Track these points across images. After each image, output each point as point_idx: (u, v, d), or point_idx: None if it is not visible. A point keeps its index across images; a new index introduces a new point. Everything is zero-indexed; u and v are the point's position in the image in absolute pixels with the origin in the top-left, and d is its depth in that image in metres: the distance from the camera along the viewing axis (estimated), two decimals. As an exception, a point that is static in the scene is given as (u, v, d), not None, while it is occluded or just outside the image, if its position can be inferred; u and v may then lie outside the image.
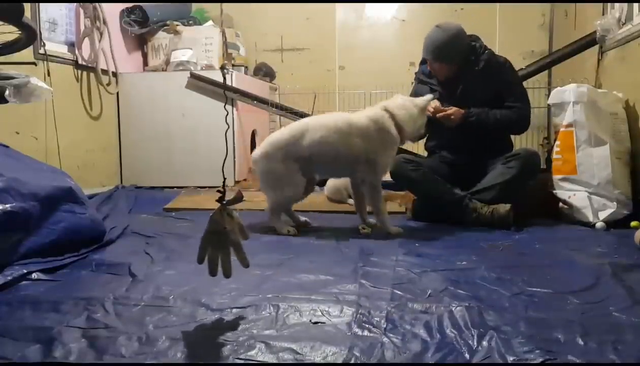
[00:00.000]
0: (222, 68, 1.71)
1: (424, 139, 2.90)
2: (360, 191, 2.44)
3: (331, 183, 3.14)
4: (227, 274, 1.35)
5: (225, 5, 4.93)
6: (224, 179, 1.41)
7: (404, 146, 3.47)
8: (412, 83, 2.93)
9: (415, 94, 2.79)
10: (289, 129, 2.42)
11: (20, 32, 2.15)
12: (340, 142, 2.31)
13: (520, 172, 2.47)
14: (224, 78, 1.66)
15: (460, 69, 2.63)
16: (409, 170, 2.56)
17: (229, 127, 1.46)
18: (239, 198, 1.37)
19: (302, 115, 3.92)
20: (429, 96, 2.49)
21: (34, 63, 2.98)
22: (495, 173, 2.53)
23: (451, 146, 2.71)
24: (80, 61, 3.53)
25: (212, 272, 1.35)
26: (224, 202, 1.36)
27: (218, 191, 1.36)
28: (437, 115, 2.56)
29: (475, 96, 2.60)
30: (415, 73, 2.90)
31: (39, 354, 1.14)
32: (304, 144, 2.32)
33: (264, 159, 2.39)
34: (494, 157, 2.60)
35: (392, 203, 3.00)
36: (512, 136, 2.86)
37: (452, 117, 2.55)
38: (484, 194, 2.49)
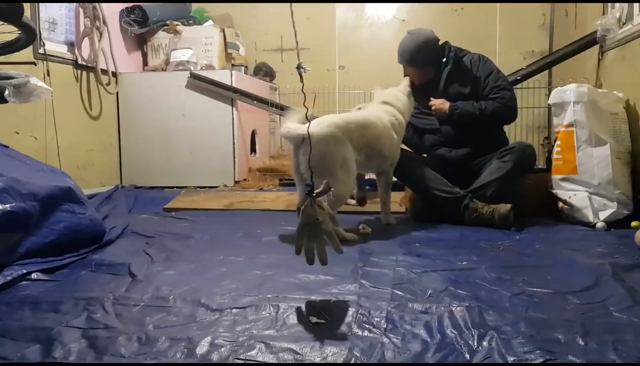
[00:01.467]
0: (298, 67, 1.71)
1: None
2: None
3: None
4: (324, 261, 1.42)
5: (225, 5, 4.92)
6: (311, 173, 1.47)
7: (403, 146, 3.49)
8: None
9: None
10: (349, 117, 2.33)
11: (20, 32, 2.15)
12: (387, 136, 2.41)
13: (516, 165, 2.50)
14: (301, 76, 1.66)
15: (434, 73, 2.72)
16: (412, 167, 2.58)
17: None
18: (326, 189, 1.45)
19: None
20: (405, 80, 2.68)
21: (33, 63, 2.98)
22: (491, 169, 2.55)
23: (446, 143, 2.73)
24: (80, 61, 3.53)
25: (310, 261, 1.42)
26: (313, 194, 1.42)
27: (307, 185, 1.44)
28: (429, 104, 2.69)
29: (454, 94, 2.67)
30: None
31: (38, 354, 1.14)
32: (368, 136, 2.30)
33: (333, 140, 2.14)
34: (490, 153, 2.62)
35: (392, 203, 2.99)
36: (510, 134, 2.87)
37: (434, 109, 2.67)
38: (484, 190, 2.50)
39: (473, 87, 2.67)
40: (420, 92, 2.74)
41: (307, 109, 1.57)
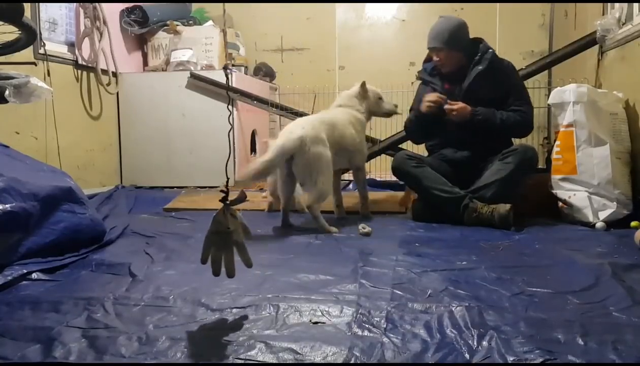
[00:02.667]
0: (225, 68, 1.71)
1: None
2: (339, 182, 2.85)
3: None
4: (231, 274, 1.35)
5: (225, 5, 4.91)
6: (227, 179, 1.40)
7: (404, 145, 3.50)
8: (413, 83, 2.95)
9: (418, 96, 2.84)
10: (320, 119, 2.55)
11: (20, 32, 2.15)
12: (348, 133, 2.64)
13: (517, 166, 2.49)
14: (227, 78, 1.66)
15: (463, 63, 2.67)
16: (411, 166, 2.58)
17: (232, 127, 1.45)
18: (242, 198, 1.37)
19: (302, 115, 3.92)
20: (357, 85, 2.83)
21: (34, 63, 2.98)
22: (492, 170, 2.55)
23: (452, 144, 2.72)
24: (80, 61, 3.53)
25: (216, 272, 1.35)
26: (227, 202, 1.36)
27: (221, 191, 1.36)
28: (445, 107, 2.60)
29: (478, 95, 2.62)
30: (418, 72, 2.92)
31: (39, 354, 1.14)
32: (334, 134, 2.51)
33: (315, 141, 2.36)
34: (493, 155, 2.61)
35: (392, 203, 3.00)
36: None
37: (455, 113, 2.60)
38: (484, 191, 2.50)
39: (498, 93, 2.64)
40: (441, 81, 2.74)
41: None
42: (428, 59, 2.85)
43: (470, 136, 2.64)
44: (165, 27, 4.26)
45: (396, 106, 2.92)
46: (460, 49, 2.66)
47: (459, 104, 2.60)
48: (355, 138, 2.66)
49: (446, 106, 2.61)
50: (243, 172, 2.44)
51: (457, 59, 2.68)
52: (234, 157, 3.91)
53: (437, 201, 2.54)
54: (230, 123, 1.44)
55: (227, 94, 1.67)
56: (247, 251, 1.38)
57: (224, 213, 1.35)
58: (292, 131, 2.36)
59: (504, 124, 2.62)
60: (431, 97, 2.65)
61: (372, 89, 2.86)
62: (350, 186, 3.70)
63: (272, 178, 2.68)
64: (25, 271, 1.65)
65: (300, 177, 2.38)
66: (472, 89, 2.65)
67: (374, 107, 2.85)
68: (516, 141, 2.86)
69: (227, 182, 1.39)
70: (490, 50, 2.68)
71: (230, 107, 1.44)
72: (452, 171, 2.65)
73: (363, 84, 2.82)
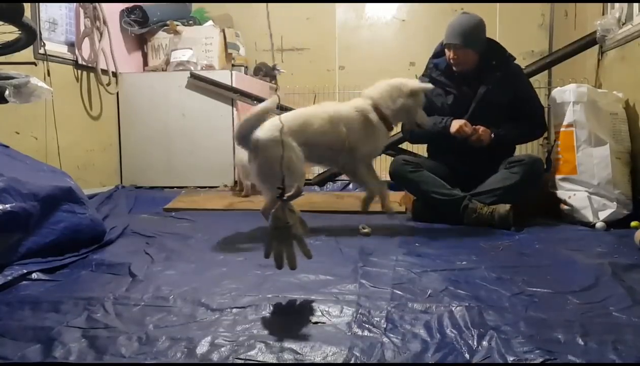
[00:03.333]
0: (273, 68, 1.71)
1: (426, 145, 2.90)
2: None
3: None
4: (293, 266, 1.40)
5: (225, 5, 4.93)
6: (283, 176, 1.44)
7: (404, 146, 3.49)
8: (421, 78, 2.88)
9: (424, 95, 2.68)
10: (294, 115, 2.33)
11: (20, 32, 2.15)
12: (331, 130, 2.33)
13: (523, 178, 2.47)
14: (275, 78, 1.66)
15: (477, 66, 2.61)
16: (408, 172, 2.56)
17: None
18: (297, 193, 1.44)
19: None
20: (427, 85, 2.48)
21: (34, 63, 2.98)
22: (497, 177, 2.53)
23: (455, 150, 2.65)
24: (80, 61, 3.53)
25: (279, 266, 1.40)
26: (284, 198, 1.40)
27: (278, 188, 1.41)
28: (472, 138, 2.54)
29: (493, 101, 2.59)
30: (426, 69, 2.79)
31: (39, 354, 1.14)
32: (309, 131, 2.27)
33: (275, 144, 2.08)
34: (496, 160, 2.60)
35: (392, 203, 3.00)
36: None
37: (477, 138, 2.53)
38: (484, 197, 2.49)
39: (511, 98, 2.61)
40: (454, 82, 2.66)
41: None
42: (438, 54, 2.73)
43: (473, 145, 2.60)
44: (165, 27, 4.26)
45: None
46: (479, 48, 2.58)
47: (481, 129, 2.53)
48: (339, 137, 2.32)
49: (473, 138, 2.53)
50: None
51: (474, 59, 2.60)
52: (234, 157, 3.91)
53: (436, 203, 2.53)
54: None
55: (277, 94, 1.62)
56: (306, 244, 1.43)
57: (282, 208, 1.40)
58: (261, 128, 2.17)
59: (520, 139, 2.74)
60: (467, 128, 2.53)
61: (421, 92, 2.46)
62: (350, 186, 3.70)
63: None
64: (25, 271, 1.65)
65: (259, 181, 2.25)
66: (488, 96, 2.59)
67: (407, 113, 2.43)
68: (518, 147, 2.87)
69: (283, 179, 1.43)
70: (508, 57, 2.64)
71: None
72: (452, 174, 2.63)
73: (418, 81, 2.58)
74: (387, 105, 2.39)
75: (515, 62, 2.71)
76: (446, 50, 2.63)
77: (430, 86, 2.48)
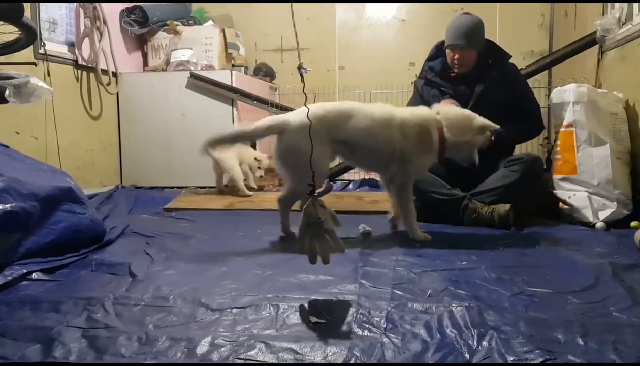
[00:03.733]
0: (299, 67, 1.68)
1: None
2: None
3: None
4: (326, 261, 1.42)
5: (225, 5, 4.93)
6: (313, 172, 1.45)
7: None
8: (413, 83, 2.89)
9: (420, 97, 2.73)
10: (336, 106, 2.16)
11: (20, 32, 2.16)
12: (381, 133, 2.14)
13: (523, 176, 2.47)
14: (302, 76, 1.63)
15: (475, 66, 2.61)
16: None
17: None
18: (328, 189, 1.48)
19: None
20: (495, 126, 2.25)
21: (34, 63, 2.98)
22: (497, 176, 2.53)
23: None
24: (80, 61, 3.53)
25: (312, 260, 1.43)
26: (315, 194, 1.43)
27: (309, 184, 1.44)
28: None
29: (490, 100, 2.58)
30: (422, 71, 2.80)
31: (39, 354, 1.14)
32: (350, 128, 2.11)
33: (300, 133, 1.87)
34: (495, 158, 2.60)
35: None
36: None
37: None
38: (484, 196, 2.49)
39: (508, 98, 2.61)
40: (451, 83, 2.65)
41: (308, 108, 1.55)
42: (432, 57, 2.73)
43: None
44: (165, 27, 4.26)
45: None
46: (480, 48, 2.59)
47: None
48: (392, 144, 2.14)
49: None
50: (209, 138, 2.27)
51: (475, 59, 2.59)
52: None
53: (436, 203, 2.53)
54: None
55: (304, 93, 1.55)
56: (339, 238, 1.45)
57: (314, 204, 1.42)
58: (290, 112, 2.14)
59: (518, 138, 2.72)
60: None
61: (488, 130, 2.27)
62: (350, 186, 3.70)
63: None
64: (25, 271, 1.65)
65: (278, 166, 2.16)
66: (485, 95, 2.59)
67: (467, 151, 2.24)
68: (518, 146, 2.86)
69: (313, 175, 1.44)
70: (504, 56, 2.64)
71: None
72: (452, 174, 2.63)
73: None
74: (453, 133, 2.18)
75: (511, 61, 2.71)
76: (448, 51, 2.61)
77: (496, 126, 2.25)
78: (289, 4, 1.59)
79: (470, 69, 2.61)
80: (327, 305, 1.40)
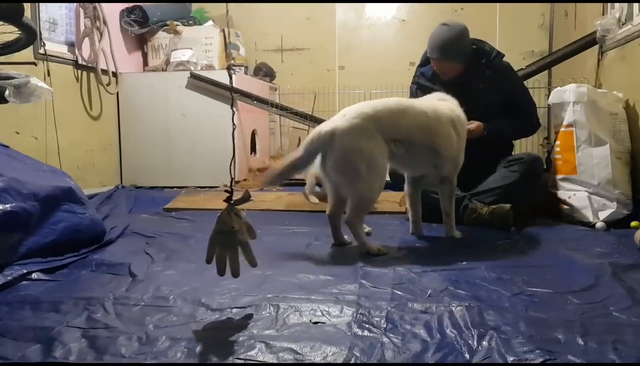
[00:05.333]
0: (229, 68, 1.69)
1: None
2: (418, 195, 2.30)
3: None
4: (235, 274, 1.36)
5: (225, 5, 4.92)
6: (232, 178, 1.41)
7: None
8: (411, 86, 2.90)
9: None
10: (381, 102, 2.02)
11: (20, 32, 2.16)
12: (440, 129, 2.10)
13: (523, 176, 2.47)
14: (230, 78, 1.66)
15: (465, 70, 2.60)
16: None
17: (235, 127, 1.46)
18: (246, 198, 1.40)
19: (302, 115, 3.93)
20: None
21: (34, 63, 2.98)
22: (497, 176, 2.53)
23: None
24: (80, 61, 3.53)
25: (221, 272, 1.36)
26: (232, 202, 1.36)
27: (225, 191, 1.37)
28: None
29: (484, 100, 2.58)
30: (414, 77, 2.83)
31: (39, 354, 1.14)
32: (403, 124, 2.00)
33: (355, 134, 1.86)
34: (495, 159, 2.60)
35: (392, 203, 3.00)
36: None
37: (473, 131, 2.50)
38: (484, 196, 2.49)
39: (502, 97, 2.60)
40: (442, 86, 2.62)
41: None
42: (425, 63, 2.76)
43: (470, 141, 2.62)
44: (165, 27, 4.26)
45: None
46: (461, 60, 2.56)
47: (474, 124, 2.52)
48: (451, 140, 2.12)
49: None
50: (263, 176, 2.04)
51: (457, 69, 2.58)
52: (234, 157, 3.90)
53: (436, 203, 2.52)
54: (233, 124, 1.45)
55: (231, 94, 1.66)
56: (252, 251, 1.39)
57: (229, 212, 1.35)
58: (332, 119, 1.96)
59: (511, 134, 2.70)
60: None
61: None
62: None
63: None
64: (25, 271, 1.65)
65: (333, 180, 1.95)
66: (477, 93, 2.58)
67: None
68: (518, 145, 2.86)
69: (232, 182, 1.40)
70: (496, 55, 2.62)
71: (233, 108, 1.44)
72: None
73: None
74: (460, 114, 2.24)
75: (506, 60, 2.70)
76: (431, 60, 2.64)
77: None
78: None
79: (456, 75, 2.60)
80: (327, 304, 1.40)
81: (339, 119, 1.94)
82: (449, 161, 2.15)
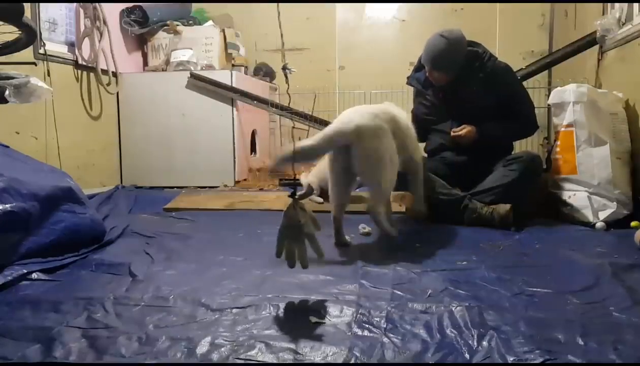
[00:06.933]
0: (284, 68, 1.70)
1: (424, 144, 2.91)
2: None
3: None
4: (305, 265, 1.41)
5: (225, 5, 4.92)
6: (294, 175, 1.45)
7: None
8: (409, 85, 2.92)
9: (414, 103, 2.84)
10: (377, 109, 2.13)
11: (20, 32, 2.15)
12: (410, 131, 2.32)
13: (522, 175, 2.47)
14: (286, 77, 1.65)
15: (457, 75, 2.61)
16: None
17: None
18: (309, 192, 1.45)
19: (302, 115, 3.92)
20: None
21: (34, 63, 2.98)
22: (496, 175, 2.53)
23: (452, 147, 2.70)
24: (80, 61, 3.53)
25: (291, 264, 1.42)
26: (296, 197, 1.41)
27: (291, 185, 1.44)
28: (451, 135, 2.61)
29: (476, 103, 2.59)
30: (408, 77, 2.86)
31: (39, 354, 1.14)
32: (397, 128, 2.16)
33: (380, 131, 2.00)
34: (495, 158, 2.61)
35: (392, 202, 3.00)
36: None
37: (464, 136, 2.58)
38: (484, 195, 2.49)
39: (498, 99, 2.61)
40: (441, 94, 2.68)
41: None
42: (418, 69, 2.79)
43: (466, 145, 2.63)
44: (165, 27, 4.26)
45: None
46: (451, 72, 2.59)
47: (465, 129, 2.57)
48: (414, 139, 2.37)
49: (452, 135, 2.61)
50: (278, 155, 1.97)
51: (450, 78, 2.61)
52: (234, 157, 3.91)
53: (436, 203, 2.53)
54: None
55: (288, 93, 1.61)
56: (318, 242, 1.44)
57: (294, 207, 1.41)
58: (351, 118, 2.00)
59: (507, 136, 2.69)
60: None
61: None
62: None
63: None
64: (25, 271, 1.65)
65: (361, 173, 2.03)
66: (469, 96, 2.60)
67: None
68: (518, 146, 2.86)
69: (295, 178, 1.43)
70: (489, 58, 2.62)
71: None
72: (452, 173, 2.63)
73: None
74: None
75: (505, 60, 2.70)
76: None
77: None
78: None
79: (448, 81, 2.63)
80: (327, 304, 1.40)
81: (359, 119, 1.98)
82: (414, 157, 2.34)
